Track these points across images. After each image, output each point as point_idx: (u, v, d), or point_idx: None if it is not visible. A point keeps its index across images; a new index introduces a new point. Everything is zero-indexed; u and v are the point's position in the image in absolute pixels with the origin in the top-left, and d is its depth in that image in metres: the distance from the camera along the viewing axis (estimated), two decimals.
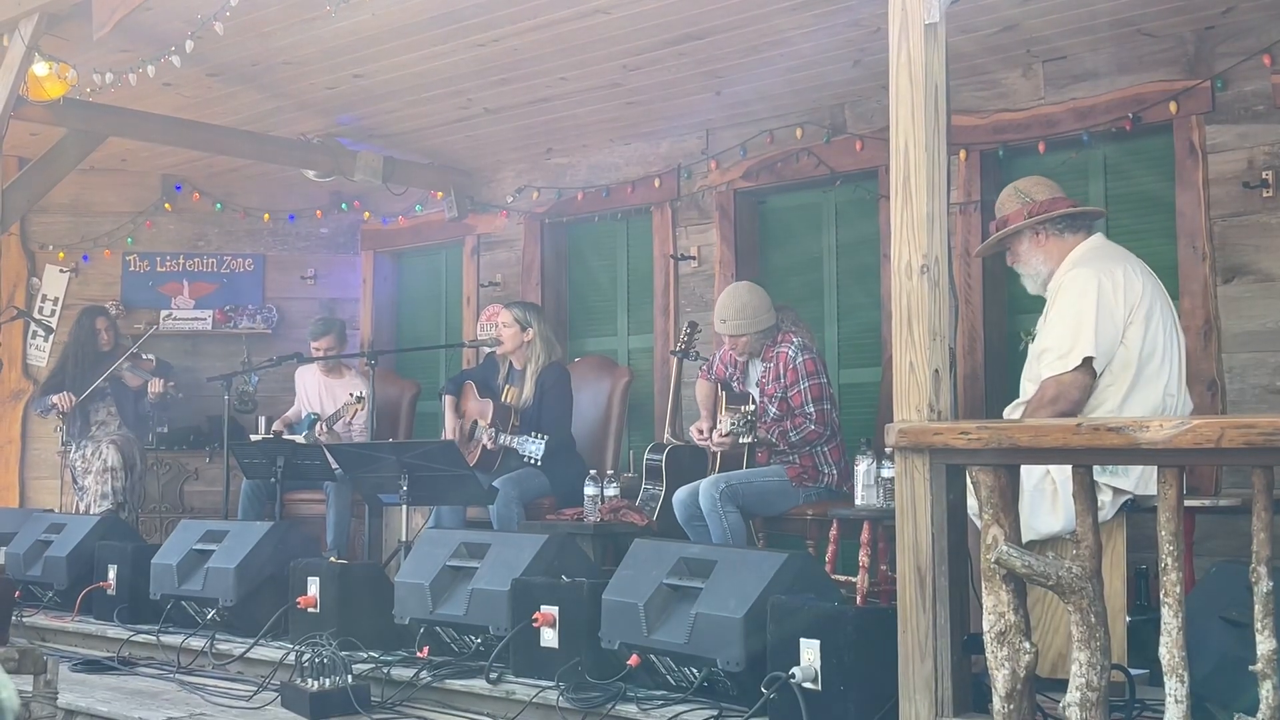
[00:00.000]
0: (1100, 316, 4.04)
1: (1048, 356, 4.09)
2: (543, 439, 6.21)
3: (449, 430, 6.87)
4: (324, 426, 7.37)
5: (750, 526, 5.80)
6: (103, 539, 6.31)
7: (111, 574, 6.03)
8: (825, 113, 6.94)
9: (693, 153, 7.53)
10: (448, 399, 6.98)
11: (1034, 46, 6.01)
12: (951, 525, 3.45)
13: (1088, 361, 4.02)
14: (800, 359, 5.79)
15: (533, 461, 6.24)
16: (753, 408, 5.91)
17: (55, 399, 7.83)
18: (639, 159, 7.78)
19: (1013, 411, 4.24)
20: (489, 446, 6.55)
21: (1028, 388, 4.24)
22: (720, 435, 5.90)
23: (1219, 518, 5.05)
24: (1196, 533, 4.88)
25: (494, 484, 6.25)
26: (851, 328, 7.10)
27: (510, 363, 6.89)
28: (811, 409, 5.75)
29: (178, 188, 9.02)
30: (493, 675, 4.42)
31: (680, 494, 5.79)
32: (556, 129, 7.61)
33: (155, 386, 7.92)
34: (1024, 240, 4.35)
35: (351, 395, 7.36)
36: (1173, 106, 5.75)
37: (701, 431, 6.04)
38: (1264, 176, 5.53)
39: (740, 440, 5.85)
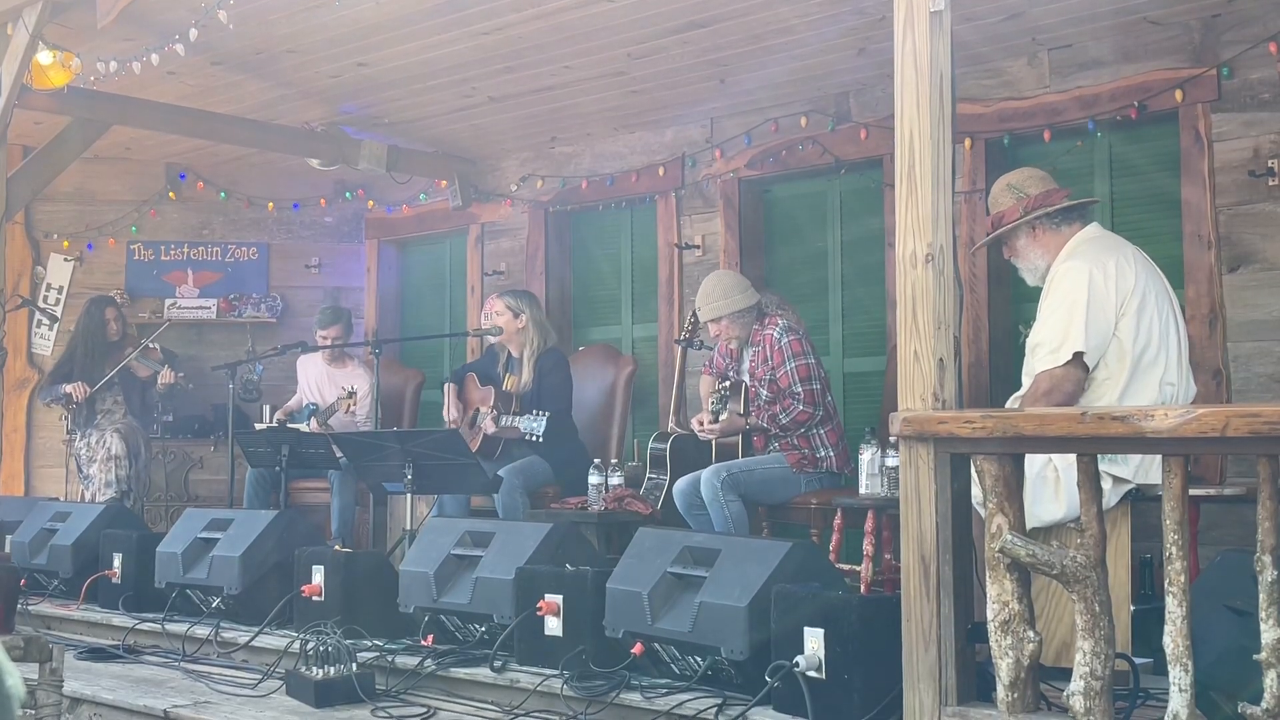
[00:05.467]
0: (1091, 310, 4.04)
1: (1040, 351, 4.09)
2: (544, 415, 6.20)
3: (449, 420, 6.89)
4: (317, 422, 7.38)
5: (754, 515, 5.80)
6: (108, 527, 6.32)
7: (116, 562, 6.04)
8: (830, 101, 6.92)
9: (697, 141, 7.52)
10: (450, 386, 7.00)
11: (1039, 35, 5.99)
12: (956, 514, 3.45)
13: (1079, 356, 4.02)
14: (785, 340, 5.79)
15: (534, 438, 6.21)
16: (727, 383, 5.93)
17: (69, 387, 7.83)
18: (643, 147, 7.77)
19: (1013, 404, 4.25)
20: (491, 430, 6.55)
21: (1026, 382, 4.24)
22: (707, 425, 5.93)
23: (1224, 506, 5.05)
24: (1201, 521, 4.88)
25: (499, 473, 6.26)
26: (856, 317, 7.09)
27: (508, 352, 6.90)
28: (799, 389, 5.74)
29: (182, 176, 9.01)
30: (497, 663, 4.43)
31: (681, 484, 5.80)
32: (560, 118, 7.60)
33: (167, 377, 7.92)
34: (1021, 236, 4.35)
35: (344, 389, 7.36)
36: (1178, 95, 5.74)
37: (701, 424, 6.04)
38: (1270, 165, 5.52)
39: (720, 416, 5.86)
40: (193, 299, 9.02)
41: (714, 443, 6.02)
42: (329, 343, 7.72)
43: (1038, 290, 4.40)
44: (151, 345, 8.16)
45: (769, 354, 5.83)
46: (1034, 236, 4.33)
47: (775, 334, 5.83)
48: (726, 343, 6.03)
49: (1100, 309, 4.05)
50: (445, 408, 6.96)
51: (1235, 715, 2.98)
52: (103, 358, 7.97)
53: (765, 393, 5.83)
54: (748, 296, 5.94)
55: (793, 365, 5.77)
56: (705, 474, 5.67)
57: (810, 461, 5.80)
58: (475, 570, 4.75)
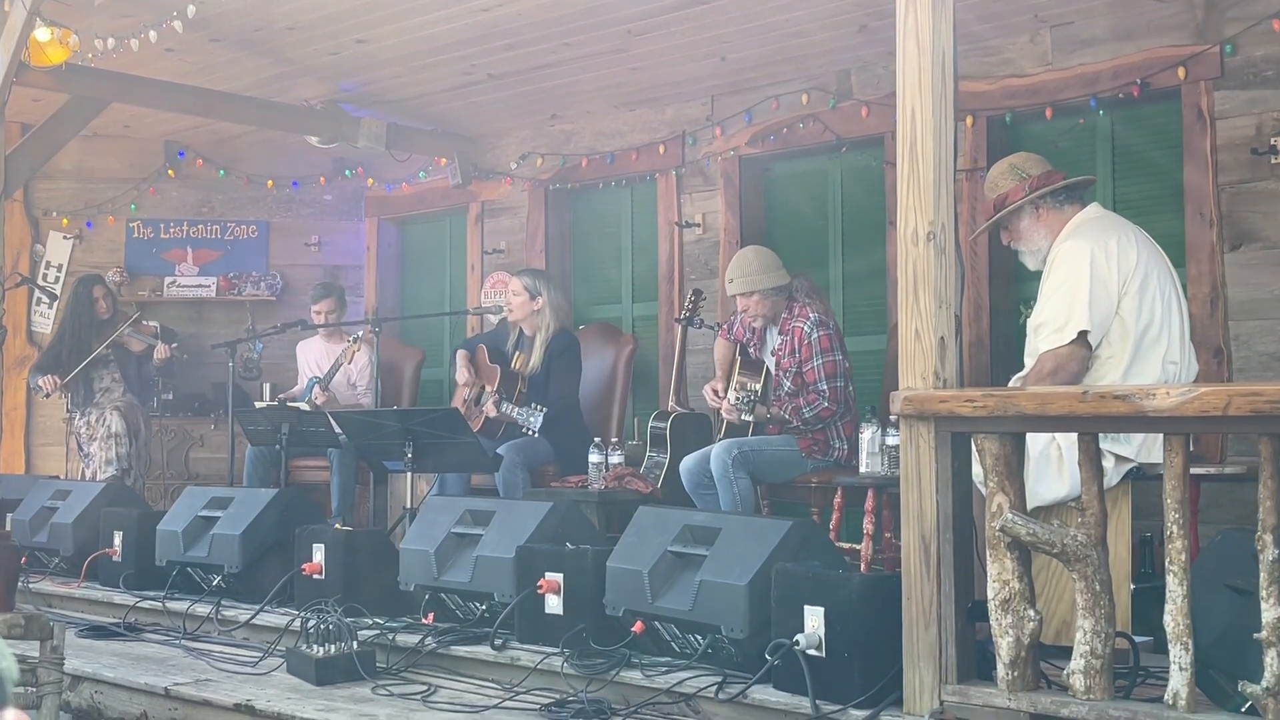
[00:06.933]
0: (1094, 289, 4.04)
1: (1044, 330, 4.09)
2: (542, 411, 6.19)
3: (460, 382, 6.89)
4: (321, 388, 7.37)
5: (757, 493, 5.80)
6: (108, 505, 6.32)
7: (117, 540, 6.04)
8: (831, 79, 6.90)
9: (697, 119, 7.50)
10: (461, 353, 6.99)
11: (1041, 11, 5.97)
12: (956, 493, 3.45)
13: (1083, 335, 4.02)
14: (816, 335, 5.75)
15: (530, 432, 6.24)
16: (758, 387, 5.90)
17: (42, 381, 7.85)
18: (643, 125, 7.75)
19: (1015, 384, 4.24)
20: (491, 414, 6.56)
21: (1029, 362, 4.24)
22: (728, 405, 5.90)
23: (1224, 485, 5.05)
24: (1202, 500, 4.87)
25: (498, 451, 6.26)
26: (857, 295, 7.08)
27: (520, 330, 6.88)
28: (825, 386, 5.71)
29: (180, 154, 8.99)
30: (498, 642, 4.43)
31: (688, 461, 5.79)
32: (560, 95, 7.57)
33: (161, 352, 7.92)
34: (1024, 217, 4.35)
35: (349, 340, 7.37)
36: (1181, 72, 5.72)
37: (716, 392, 6.02)
38: (1273, 143, 5.50)
39: (743, 417, 5.84)
40: (192, 277, 9.01)
41: (724, 420, 6.01)
42: (323, 317, 7.71)
43: (1038, 269, 4.39)
44: (149, 323, 8.15)
45: (796, 346, 5.78)
46: (1037, 217, 4.32)
47: (806, 327, 5.77)
48: (751, 320, 5.99)
49: (1103, 287, 4.05)
50: (458, 371, 6.94)
51: (1235, 694, 2.98)
52: (93, 337, 7.95)
53: (788, 384, 5.80)
54: (781, 276, 5.88)
55: (820, 361, 5.73)
56: (716, 450, 5.66)
57: (821, 449, 5.79)
58: (476, 549, 4.75)
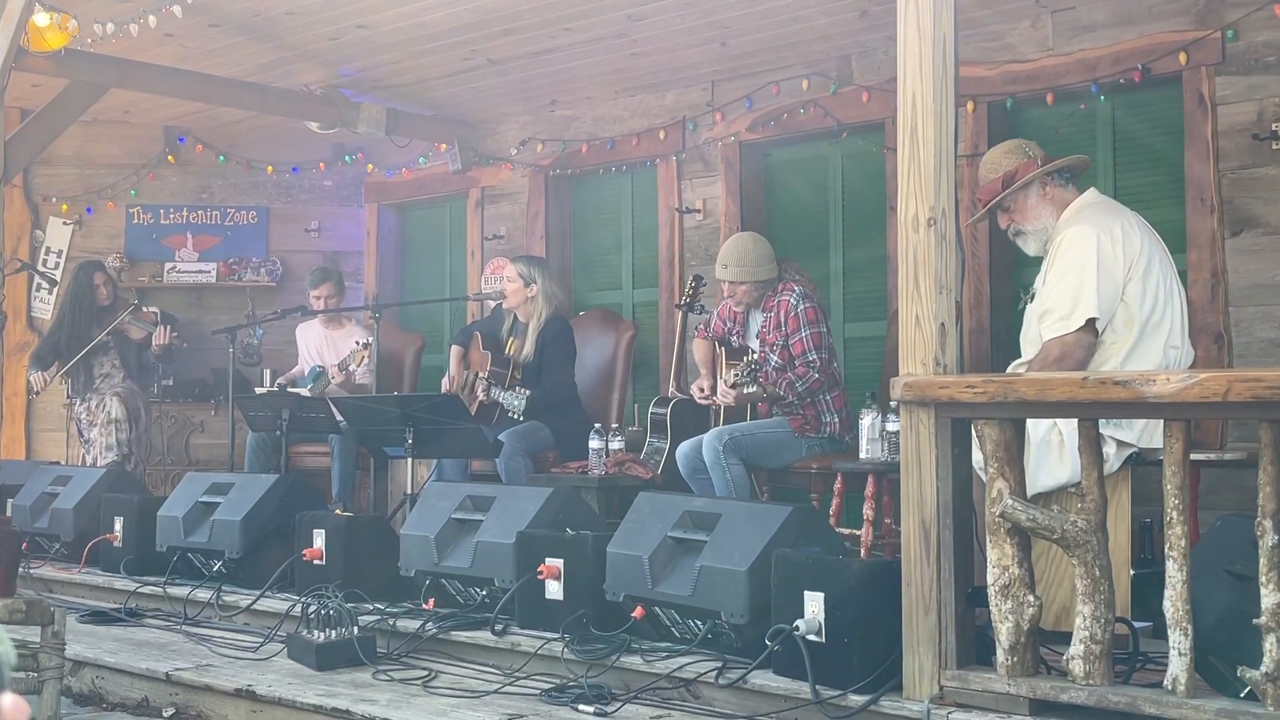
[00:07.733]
0: (1101, 275, 4.03)
1: (1050, 318, 4.08)
2: (525, 394, 6.21)
3: (451, 378, 6.89)
4: (338, 370, 7.35)
5: (754, 479, 5.80)
6: (109, 491, 6.33)
7: (118, 526, 6.05)
8: (832, 64, 6.88)
9: (698, 105, 7.48)
10: (455, 349, 6.99)
11: None
12: (956, 479, 3.45)
13: (1090, 322, 4.02)
14: (802, 307, 5.77)
15: (515, 415, 6.25)
16: (754, 358, 5.90)
17: (32, 378, 7.87)
18: (643, 111, 7.73)
19: (1014, 370, 4.23)
20: (482, 400, 6.57)
21: (1027, 350, 4.23)
22: (726, 386, 5.89)
23: (1224, 471, 5.04)
24: (1201, 486, 4.87)
25: (499, 437, 6.26)
26: (857, 281, 7.07)
27: (515, 315, 6.88)
28: (813, 357, 5.73)
29: (180, 140, 8.97)
30: (498, 627, 4.44)
31: (684, 447, 5.79)
32: (560, 81, 7.55)
33: (160, 337, 7.91)
34: (1031, 195, 4.33)
35: (358, 343, 7.36)
36: (1182, 57, 5.70)
37: (702, 390, 6.02)
38: (1274, 129, 5.48)
39: (745, 390, 5.82)
40: (192, 262, 9.00)
41: (720, 407, 6.01)
42: (321, 303, 7.70)
43: (1039, 253, 4.39)
44: (149, 309, 8.14)
45: (783, 319, 5.80)
46: (1044, 194, 4.32)
47: (791, 300, 5.79)
48: (735, 305, 6.00)
49: (1109, 273, 4.05)
50: (449, 370, 6.94)
51: (1235, 679, 2.99)
52: (93, 323, 7.93)
53: (775, 359, 5.81)
54: (772, 269, 5.90)
55: (807, 333, 5.74)
56: (707, 437, 5.66)
57: (813, 426, 5.79)
58: (476, 534, 4.76)
